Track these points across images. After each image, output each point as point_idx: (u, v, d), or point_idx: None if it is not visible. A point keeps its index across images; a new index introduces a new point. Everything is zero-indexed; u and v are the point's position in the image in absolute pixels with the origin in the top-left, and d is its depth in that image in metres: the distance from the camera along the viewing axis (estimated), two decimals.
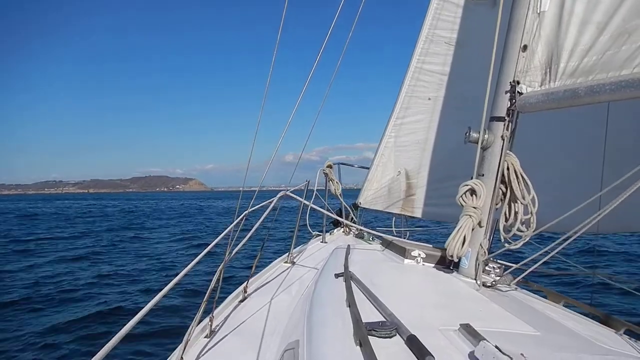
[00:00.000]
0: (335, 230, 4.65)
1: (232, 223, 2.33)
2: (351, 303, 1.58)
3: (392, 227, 4.60)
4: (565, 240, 1.87)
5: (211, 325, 2.17)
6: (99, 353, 1.11)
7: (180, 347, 1.90)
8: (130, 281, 8.78)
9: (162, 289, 1.56)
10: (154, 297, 1.48)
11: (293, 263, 3.45)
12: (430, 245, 2.52)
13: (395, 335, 1.31)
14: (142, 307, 1.39)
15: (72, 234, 18.59)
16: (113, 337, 1.16)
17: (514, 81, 2.06)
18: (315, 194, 4.23)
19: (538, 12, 2.00)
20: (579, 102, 1.80)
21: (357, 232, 4.27)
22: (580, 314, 2.04)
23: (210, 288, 2.06)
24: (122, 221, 26.25)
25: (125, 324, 1.23)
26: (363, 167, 5.09)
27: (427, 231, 5.71)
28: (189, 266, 1.76)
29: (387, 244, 2.82)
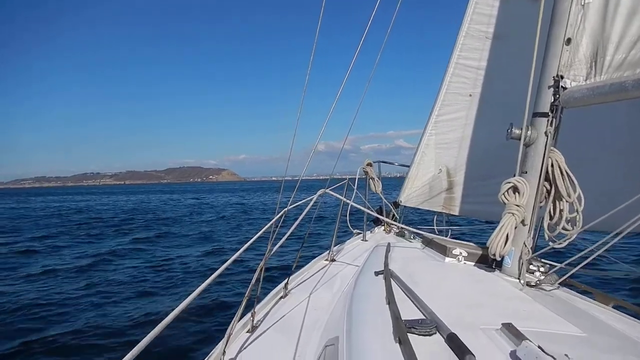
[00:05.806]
0: (376, 228, 4.65)
1: (272, 219, 2.38)
2: (391, 300, 1.60)
3: (433, 226, 4.55)
4: (613, 238, 1.81)
5: (253, 321, 2.24)
6: (140, 343, 1.14)
7: (223, 341, 1.96)
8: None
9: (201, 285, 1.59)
10: (194, 291, 1.53)
11: (333, 260, 3.49)
12: (472, 244, 2.50)
13: (435, 333, 1.32)
14: (183, 301, 1.43)
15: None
16: (154, 328, 1.19)
17: (557, 76, 2.00)
18: (356, 192, 4.25)
19: (582, 3, 1.94)
20: (627, 96, 1.74)
21: (397, 231, 4.26)
22: (631, 316, 1.96)
23: (251, 284, 2.10)
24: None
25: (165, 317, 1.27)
26: (403, 165, 5.06)
27: (469, 229, 5.58)
28: (229, 261, 1.81)
29: (428, 242, 2.81)
